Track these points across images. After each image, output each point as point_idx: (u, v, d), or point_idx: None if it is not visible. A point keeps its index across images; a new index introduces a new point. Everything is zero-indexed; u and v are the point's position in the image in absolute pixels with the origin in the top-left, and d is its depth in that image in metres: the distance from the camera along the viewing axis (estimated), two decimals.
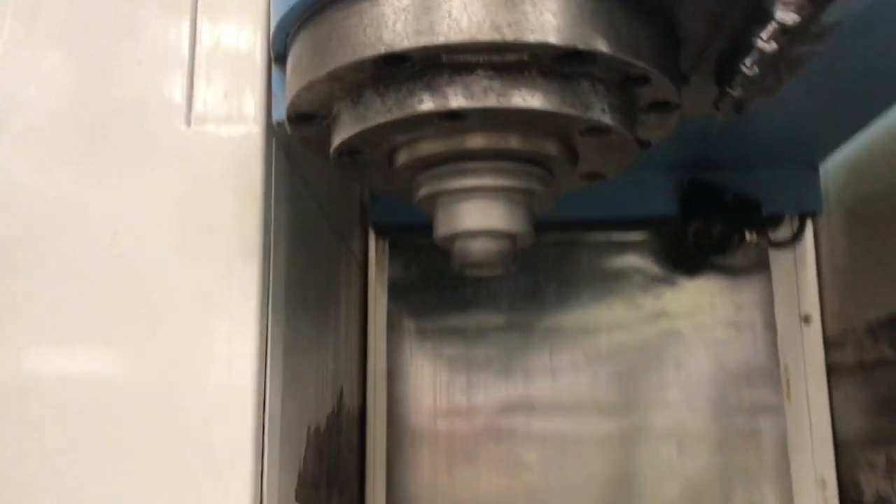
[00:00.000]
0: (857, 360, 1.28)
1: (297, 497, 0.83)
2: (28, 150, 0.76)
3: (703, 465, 1.35)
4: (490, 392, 1.38)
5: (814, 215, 1.34)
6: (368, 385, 1.35)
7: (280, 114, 0.67)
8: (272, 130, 0.74)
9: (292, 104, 0.63)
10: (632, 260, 1.43)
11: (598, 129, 0.60)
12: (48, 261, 0.73)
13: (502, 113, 0.56)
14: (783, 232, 1.35)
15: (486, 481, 1.35)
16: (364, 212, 1.36)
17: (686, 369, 1.38)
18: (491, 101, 0.55)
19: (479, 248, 0.63)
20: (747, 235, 1.29)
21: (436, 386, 1.39)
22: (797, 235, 1.33)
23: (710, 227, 1.28)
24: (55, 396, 0.71)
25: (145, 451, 0.69)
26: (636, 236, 1.43)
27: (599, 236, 1.42)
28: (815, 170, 1.33)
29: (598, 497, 1.35)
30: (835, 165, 1.32)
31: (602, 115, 0.58)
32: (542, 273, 1.40)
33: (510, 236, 0.63)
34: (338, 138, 0.62)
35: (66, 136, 0.75)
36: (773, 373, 1.38)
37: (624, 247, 1.43)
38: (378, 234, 1.42)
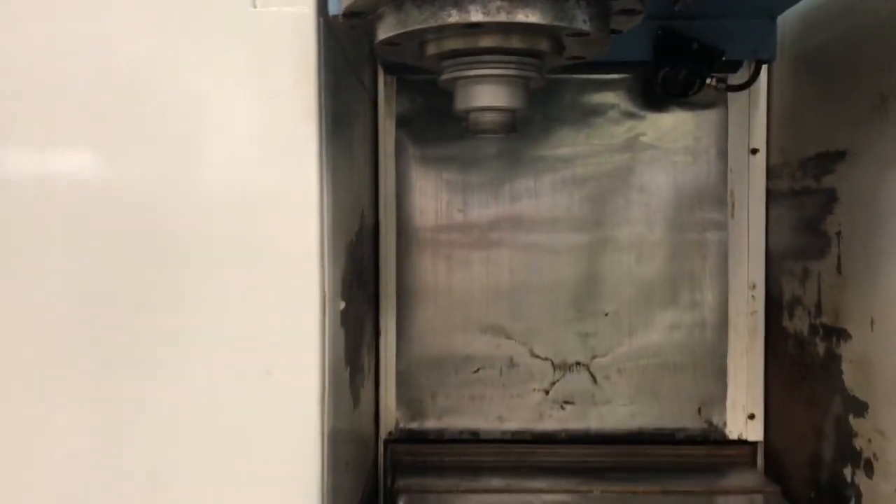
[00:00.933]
0: (790, 188, 1.53)
1: (341, 294, 1.10)
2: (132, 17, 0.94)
3: (657, 271, 1.64)
4: (482, 210, 1.64)
5: (768, 62, 1.54)
6: (380, 204, 1.61)
7: (334, 9, 0.86)
8: (322, 10, 0.92)
9: (347, 6, 0.82)
10: (609, 97, 1.64)
11: (580, 34, 0.80)
12: (145, 122, 0.94)
13: (509, 25, 0.76)
14: (741, 76, 1.55)
15: (477, 281, 1.65)
16: (374, 52, 1.54)
17: (648, 192, 1.64)
18: (501, 17, 0.75)
19: (488, 119, 0.85)
20: (709, 79, 1.49)
21: (437, 204, 1.64)
22: (752, 80, 1.53)
23: (677, 71, 1.48)
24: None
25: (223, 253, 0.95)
26: (614, 77, 1.63)
27: (582, 76, 1.62)
28: (773, 21, 1.51)
29: (569, 294, 1.65)
30: (790, 17, 1.50)
31: (583, 24, 0.78)
32: (530, 109, 1.61)
33: (511, 111, 0.85)
34: (383, 34, 0.82)
35: (158, 7, 0.94)
36: (721, 195, 1.64)
37: (603, 85, 1.63)
38: (387, 71, 1.60)
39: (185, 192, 0.95)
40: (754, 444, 1.60)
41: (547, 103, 1.62)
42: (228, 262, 0.94)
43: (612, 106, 1.64)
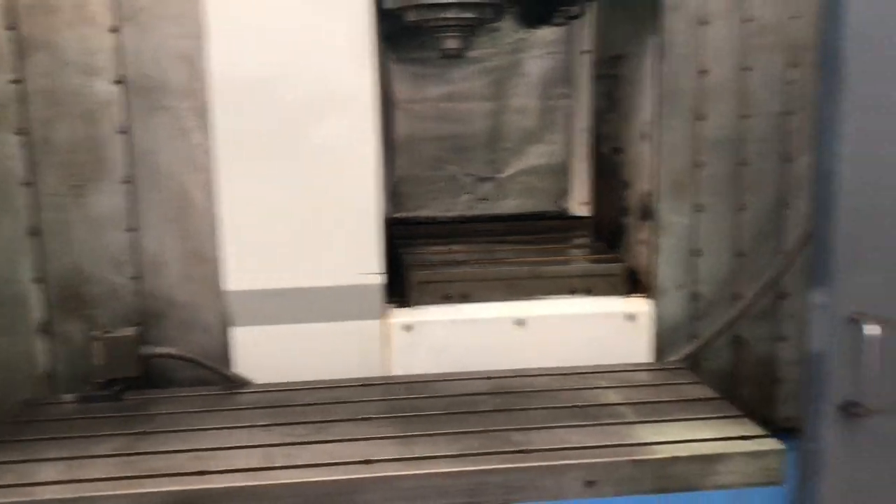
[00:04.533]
0: (601, 74, 2.76)
1: None
2: None
3: (533, 123, 2.88)
4: (433, 90, 2.83)
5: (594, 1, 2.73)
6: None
7: None
8: None
9: None
10: (503, 22, 2.80)
11: None
12: None
13: None
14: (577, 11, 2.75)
15: (434, 132, 2.85)
16: None
17: (528, 76, 2.83)
18: None
19: (449, 45, 2.03)
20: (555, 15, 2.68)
21: (406, 86, 2.81)
22: (581, 13, 2.72)
23: (534, 8, 2.66)
24: None
25: None
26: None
27: None
28: None
29: (484, 137, 2.88)
30: None
31: None
32: None
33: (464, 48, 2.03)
34: None
35: None
36: (568, 78, 2.85)
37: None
38: None
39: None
40: (586, 218, 2.90)
41: None
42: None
43: (506, 26, 2.81)
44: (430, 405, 2.04)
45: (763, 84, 2.27)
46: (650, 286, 2.37)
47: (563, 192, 2.91)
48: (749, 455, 1.74)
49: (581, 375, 2.21)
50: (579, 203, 2.90)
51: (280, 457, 1.77)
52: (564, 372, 2.23)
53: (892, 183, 1.42)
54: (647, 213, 2.40)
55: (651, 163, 2.36)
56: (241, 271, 2.15)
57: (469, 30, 2.04)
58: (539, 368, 2.25)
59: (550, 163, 2.89)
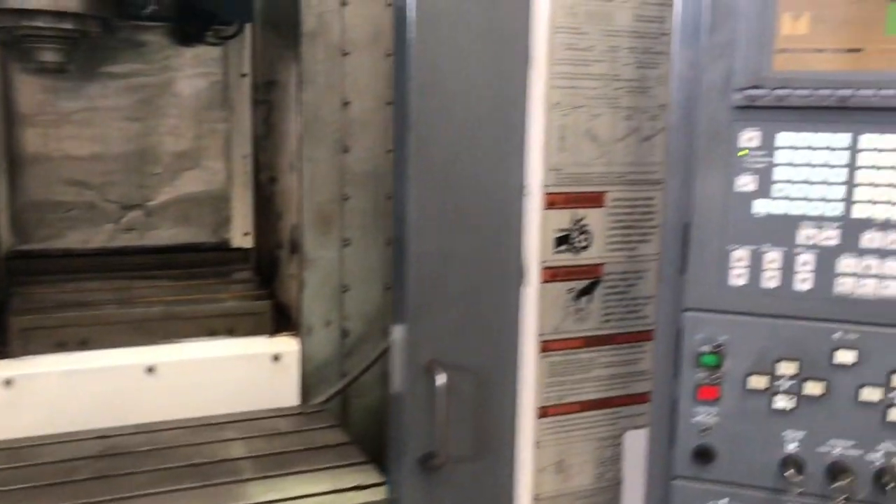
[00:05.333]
0: (258, 99, 2.62)
1: None
2: None
3: (186, 147, 2.66)
4: (69, 103, 2.51)
5: (248, 21, 2.59)
6: None
7: None
8: None
9: None
10: (153, 37, 2.56)
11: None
12: None
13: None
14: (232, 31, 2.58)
15: (76, 151, 2.52)
16: None
17: (180, 96, 2.62)
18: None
19: (46, 58, 1.76)
20: (207, 34, 2.50)
21: (39, 96, 2.46)
22: (236, 34, 2.56)
23: (185, 26, 2.46)
24: None
25: None
26: (158, 24, 2.55)
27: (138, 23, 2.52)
28: None
29: (133, 161, 2.60)
30: None
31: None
32: (102, 40, 2.48)
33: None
34: None
35: None
36: (224, 101, 2.68)
37: (149, 29, 2.55)
38: None
39: None
40: (248, 249, 2.73)
41: (111, 39, 2.50)
42: None
43: (155, 42, 2.57)
44: (22, 476, 1.75)
45: None
46: (298, 324, 2.26)
47: (224, 222, 2.72)
48: None
49: (213, 427, 2.03)
50: (242, 234, 2.73)
51: None
52: (195, 424, 2.04)
53: (462, 226, 1.40)
54: (295, 247, 2.29)
55: (297, 194, 2.26)
56: None
57: (70, 42, 1.79)
58: (168, 422, 2.03)
59: (209, 190, 2.69)
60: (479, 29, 1.36)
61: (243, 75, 2.65)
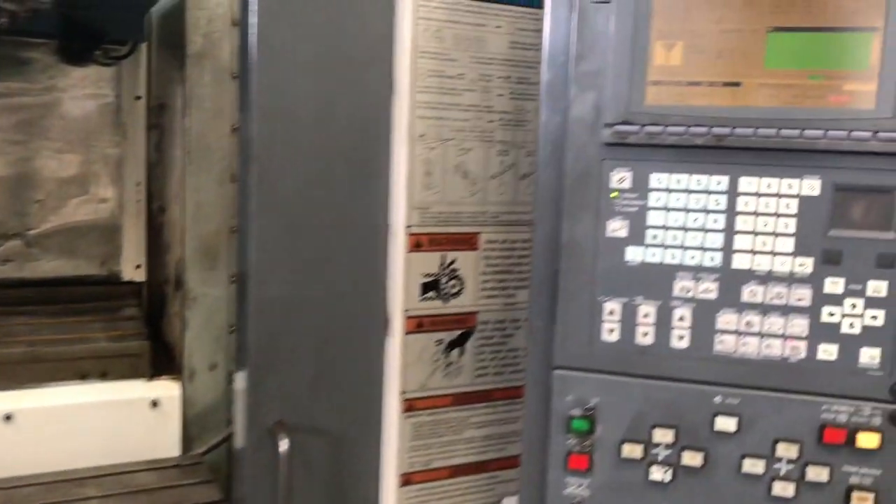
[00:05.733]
0: (150, 123, 2.46)
1: None
2: None
3: (74, 171, 2.48)
4: None
5: (141, 40, 2.43)
6: None
7: None
8: None
9: None
10: (36, 54, 2.39)
11: None
12: None
13: None
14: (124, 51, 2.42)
15: None
16: None
17: (66, 119, 2.44)
18: None
19: None
20: (97, 52, 2.33)
21: None
22: (129, 53, 2.40)
23: (73, 44, 2.30)
24: None
25: None
26: (42, 41, 2.38)
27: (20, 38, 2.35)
28: (142, 14, 2.39)
29: (12, 186, 2.41)
30: (157, 11, 2.40)
31: None
32: None
33: None
34: None
35: None
36: (117, 123, 2.51)
37: (33, 46, 2.38)
38: None
39: None
40: (139, 283, 2.55)
41: None
42: None
43: (40, 59, 2.40)
44: None
45: None
46: (180, 366, 2.08)
47: (114, 254, 2.54)
48: None
49: (72, 483, 1.84)
50: (133, 266, 2.54)
51: None
52: (54, 479, 1.84)
53: (316, 269, 1.26)
54: (179, 283, 2.11)
55: (180, 227, 2.09)
56: None
57: None
58: (24, 477, 1.83)
59: (98, 219, 2.50)
60: (333, 51, 1.23)
61: (137, 98, 2.48)
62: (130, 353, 2.06)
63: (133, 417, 2.00)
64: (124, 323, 2.33)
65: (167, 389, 2.05)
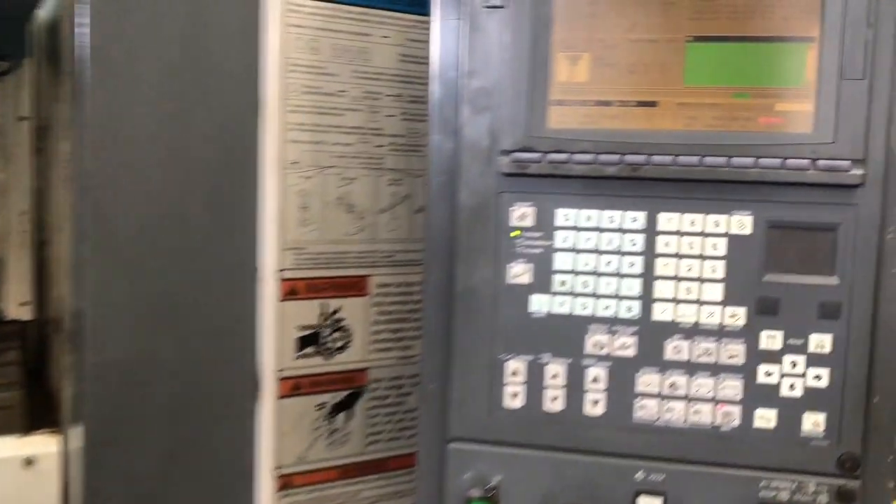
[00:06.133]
0: (36, 147, 2.22)
1: None
2: None
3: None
4: None
5: (22, 55, 2.20)
6: None
7: None
8: None
9: None
10: None
11: None
12: None
13: None
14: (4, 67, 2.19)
15: None
16: None
17: None
18: None
19: None
20: None
21: None
22: (11, 70, 2.18)
23: None
24: None
25: None
26: None
27: None
28: (21, 26, 2.16)
29: None
30: (37, 26, 2.17)
31: None
32: None
33: None
34: None
35: None
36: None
37: None
38: None
39: None
40: (25, 323, 2.30)
41: None
42: None
43: None
44: None
45: None
46: (61, 420, 1.84)
47: None
48: None
49: None
50: (18, 303, 2.29)
51: None
52: None
53: (169, 323, 1.05)
54: (59, 324, 1.88)
55: (66, 262, 1.86)
56: None
57: None
58: None
59: None
60: (185, 63, 1.03)
61: (21, 118, 2.25)
62: (3, 405, 1.82)
63: (2, 478, 1.77)
64: (1, 369, 2.08)
65: (45, 445, 1.81)
